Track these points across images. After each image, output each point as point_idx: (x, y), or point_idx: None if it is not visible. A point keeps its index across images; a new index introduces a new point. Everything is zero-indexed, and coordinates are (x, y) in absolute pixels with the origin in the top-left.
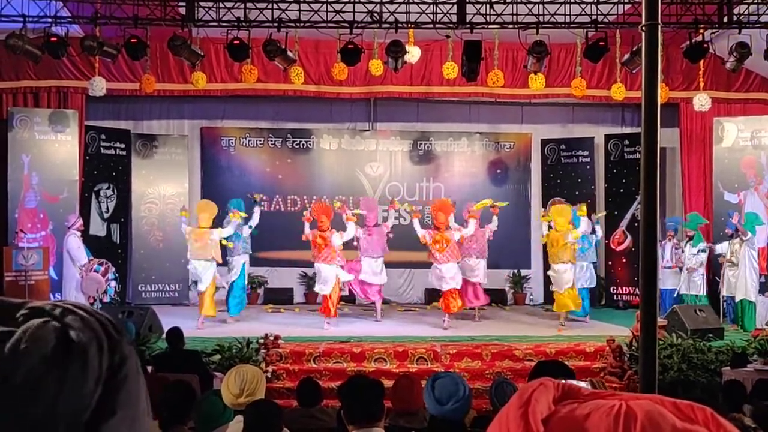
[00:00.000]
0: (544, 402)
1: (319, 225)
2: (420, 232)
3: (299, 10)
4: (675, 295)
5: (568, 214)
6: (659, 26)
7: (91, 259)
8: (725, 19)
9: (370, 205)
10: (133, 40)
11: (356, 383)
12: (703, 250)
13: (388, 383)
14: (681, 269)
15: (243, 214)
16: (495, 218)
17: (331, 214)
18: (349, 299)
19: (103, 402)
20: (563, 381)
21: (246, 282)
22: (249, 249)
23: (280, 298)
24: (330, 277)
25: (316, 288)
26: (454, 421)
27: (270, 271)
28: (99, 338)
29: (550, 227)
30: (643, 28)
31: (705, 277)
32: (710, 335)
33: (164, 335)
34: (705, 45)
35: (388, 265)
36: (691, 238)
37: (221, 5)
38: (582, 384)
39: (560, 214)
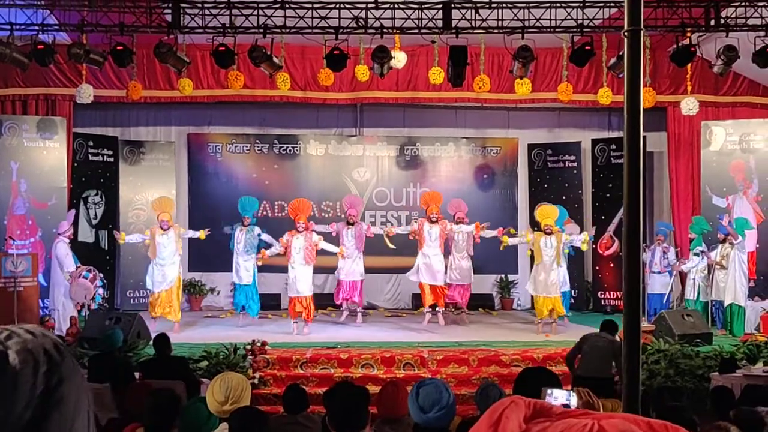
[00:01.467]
0: (515, 420)
1: (298, 225)
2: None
3: (285, 17)
4: (664, 300)
5: (555, 213)
6: (642, 32)
7: (79, 266)
8: (712, 23)
9: (354, 202)
10: (119, 47)
11: (341, 390)
12: (696, 254)
13: (375, 389)
14: (671, 274)
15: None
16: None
17: (309, 210)
18: (335, 305)
19: (34, 424)
20: (535, 399)
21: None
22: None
23: (268, 303)
24: (309, 278)
25: (293, 293)
26: (438, 429)
27: (258, 277)
28: (36, 361)
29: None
30: (626, 33)
31: (705, 281)
32: (698, 340)
33: (151, 341)
34: (692, 48)
35: (375, 270)
36: (691, 241)
37: (207, 12)
38: (566, 392)
39: (548, 215)
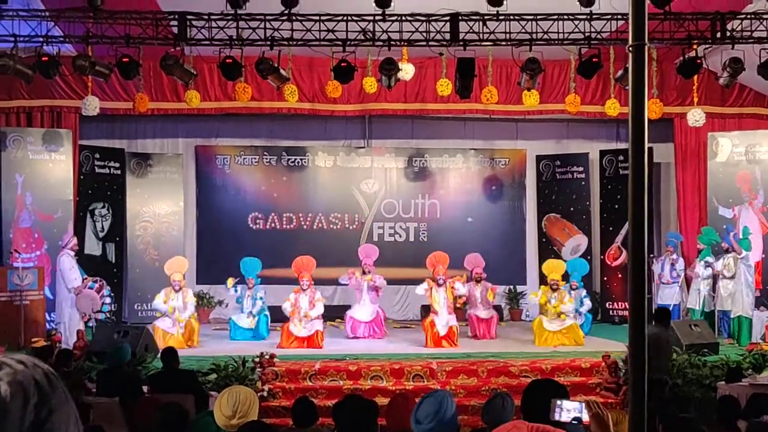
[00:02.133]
0: None
1: (302, 282)
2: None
3: (292, 29)
4: (671, 308)
5: (561, 268)
6: (646, 46)
7: (85, 278)
8: (718, 35)
9: (369, 252)
10: (125, 59)
11: (350, 403)
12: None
13: (384, 401)
14: (679, 284)
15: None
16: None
17: (313, 268)
18: (341, 316)
19: None
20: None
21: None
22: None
23: (276, 315)
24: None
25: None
26: None
27: (265, 289)
28: (26, 393)
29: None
30: (630, 48)
31: (711, 291)
32: (705, 350)
33: (159, 355)
34: (698, 61)
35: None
36: (701, 251)
37: (213, 24)
38: (576, 404)
39: (553, 270)
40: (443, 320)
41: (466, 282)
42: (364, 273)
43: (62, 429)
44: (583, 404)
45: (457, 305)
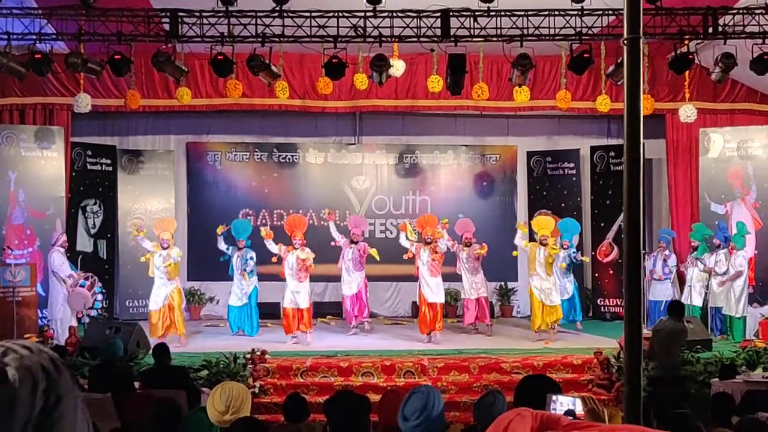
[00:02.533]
0: None
1: (294, 241)
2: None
3: (283, 26)
4: (662, 307)
5: (550, 224)
6: (641, 39)
7: (77, 273)
8: (710, 30)
9: (359, 222)
10: (117, 57)
11: (342, 399)
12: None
13: (375, 397)
14: (672, 281)
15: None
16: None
17: (305, 226)
18: (336, 313)
19: None
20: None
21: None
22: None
23: (268, 312)
24: (305, 292)
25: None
26: None
27: (257, 285)
28: (35, 378)
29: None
30: (625, 41)
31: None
32: (698, 347)
33: (151, 351)
34: (690, 56)
35: (375, 278)
36: (695, 248)
37: (205, 21)
38: (571, 399)
39: (544, 226)
40: (432, 283)
41: (453, 244)
42: (353, 242)
43: (70, 415)
44: (578, 399)
45: (434, 259)
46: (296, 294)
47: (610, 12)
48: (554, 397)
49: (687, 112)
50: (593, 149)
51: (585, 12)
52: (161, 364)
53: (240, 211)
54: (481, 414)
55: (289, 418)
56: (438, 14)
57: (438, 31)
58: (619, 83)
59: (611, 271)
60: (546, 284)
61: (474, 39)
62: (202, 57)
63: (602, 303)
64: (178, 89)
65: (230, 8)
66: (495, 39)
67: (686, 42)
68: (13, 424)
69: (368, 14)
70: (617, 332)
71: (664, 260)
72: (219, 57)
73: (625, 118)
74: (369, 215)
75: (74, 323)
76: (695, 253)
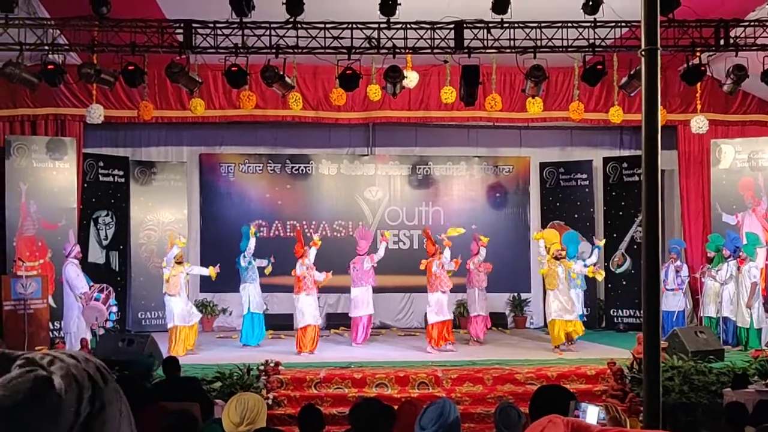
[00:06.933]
0: None
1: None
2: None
3: (297, 37)
4: (675, 318)
5: (556, 236)
6: (659, 50)
7: (92, 286)
8: (722, 42)
9: (365, 235)
10: (130, 67)
11: (368, 407)
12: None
13: None
14: (684, 291)
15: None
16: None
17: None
18: (347, 325)
19: None
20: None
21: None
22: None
23: (281, 324)
24: (312, 307)
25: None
26: None
27: (270, 297)
28: (81, 386)
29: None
30: (643, 52)
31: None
32: (711, 357)
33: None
34: (702, 68)
35: (389, 289)
36: (711, 260)
37: (219, 32)
38: (595, 408)
39: (552, 241)
40: (432, 301)
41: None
42: (359, 255)
43: (115, 423)
44: (600, 407)
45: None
46: (302, 313)
47: (623, 24)
48: (579, 405)
49: (699, 123)
50: (606, 160)
51: (598, 24)
52: (172, 375)
53: (253, 223)
54: (505, 425)
55: (304, 430)
56: (452, 26)
57: (451, 43)
58: (632, 95)
59: (624, 282)
60: (565, 298)
61: (487, 50)
62: (216, 68)
63: (615, 314)
64: (192, 100)
65: (244, 19)
66: (508, 50)
67: (698, 54)
68: (57, 430)
69: (382, 26)
70: (630, 343)
71: (677, 271)
72: (233, 68)
73: (644, 127)
74: (382, 226)
75: (88, 335)
76: (711, 264)
